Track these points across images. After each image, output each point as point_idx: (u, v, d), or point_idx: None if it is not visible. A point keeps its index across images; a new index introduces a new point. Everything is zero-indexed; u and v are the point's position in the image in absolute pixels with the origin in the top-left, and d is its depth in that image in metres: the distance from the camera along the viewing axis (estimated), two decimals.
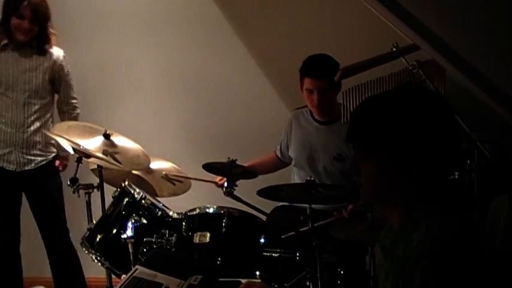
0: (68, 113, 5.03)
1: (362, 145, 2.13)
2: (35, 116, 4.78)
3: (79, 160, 4.30)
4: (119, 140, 4.39)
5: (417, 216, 2.01)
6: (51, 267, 5.08)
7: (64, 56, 4.88)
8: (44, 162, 4.89)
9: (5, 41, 4.67)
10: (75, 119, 5.05)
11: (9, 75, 4.67)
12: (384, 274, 2.15)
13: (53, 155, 4.95)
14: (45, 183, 4.92)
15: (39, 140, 4.81)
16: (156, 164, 4.72)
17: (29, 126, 4.74)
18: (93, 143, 4.25)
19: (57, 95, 4.98)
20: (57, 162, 5.05)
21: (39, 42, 4.70)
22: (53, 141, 4.87)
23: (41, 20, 4.60)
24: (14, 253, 4.96)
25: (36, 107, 4.77)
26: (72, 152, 4.32)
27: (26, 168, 4.79)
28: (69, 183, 4.36)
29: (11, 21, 4.54)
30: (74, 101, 5.05)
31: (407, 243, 1.97)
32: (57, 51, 4.86)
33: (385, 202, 2.20)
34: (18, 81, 4.68)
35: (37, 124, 4.79)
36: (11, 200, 4.94)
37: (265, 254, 3.88)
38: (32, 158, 4.82)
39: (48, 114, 4.92)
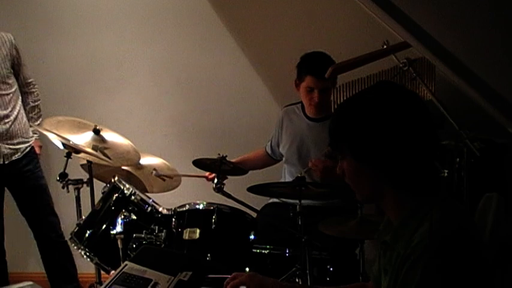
0: (30, 93, 5.08)
1: (345, 151, 2.17)
2: (11, 105, 4.81)
3: (68, 155, 4.32)
4: (109, 136, 4.41)
5: (416, 210, 2.06)
6: (42, 257, 5.12)
7: (14, 38, 4.87)
8: (28, 149, 4.94)
9: None
10: (38, 96, 5.13)
11: None
12: (383, 270, 2.19)
13: (33, 139, 5.01)
14: (30, 170, 4.96)
15: (19, 128, 4.84)
16: (146, 160, 4.73)
17: (8, 117, 4.77)
18: (82, 138, 4.28)
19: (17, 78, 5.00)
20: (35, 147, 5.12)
21: None
22: (29, 126, 4.95)
23: None
24: None
25: (9, 96, 4.80)
26: (61, 147, 4.33)
27: (14, 158, 4.83)
28: (58, 178, 4.40)
29: None
30: (31, 79, 5.08)
31: (408, 240, 2.00)
32: (7, 35, 4.85)
33: (377, 200, 2.24)
34: None
35: (14, 113, 4.83)
36: None
37: (255, 250, 3.91)
38: (18, 146, 4.86)
39: (19, 101, 4.95)
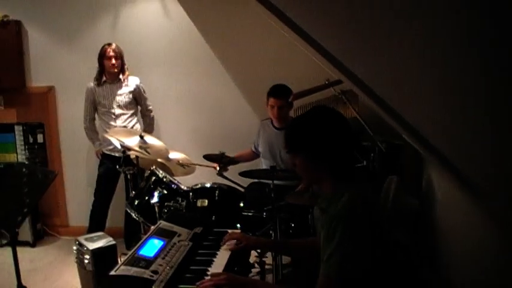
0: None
1: (294, 152, 2.25)
2: None
3: (124, 152, 4.43)
4: (149, 139, 4.41)
5: (341, 189, 2.11)
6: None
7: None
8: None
9: None
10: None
11: None
12: (320, 226, 2.22)
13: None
14: None
15: None
16: (173, 155, 4.74)
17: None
18: (132, 141, 4.29)
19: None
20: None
21: None
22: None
23: None
24: None
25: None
26: (119, 147, 4.42)
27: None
28: (118, 167, 4.50)
29: None
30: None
31: (336, 205, 2.06)
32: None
33: (317, 183, 2.31)
34: None
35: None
36: None
37: (244, 213, 3.93)
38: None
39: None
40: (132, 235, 5.07)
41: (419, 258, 3.63)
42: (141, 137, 4.33)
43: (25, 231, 5.42)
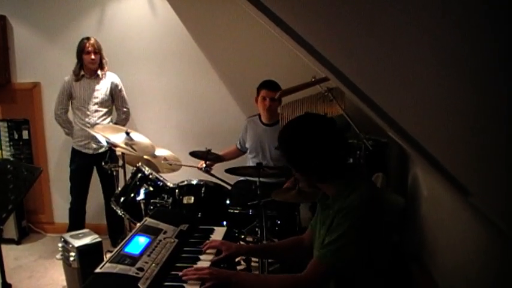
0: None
1: (289, 160, 2.28)
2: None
3: (110, 148, 4.45)
4: (135, 136, 4.40)
5: (346, 188, 2.13)
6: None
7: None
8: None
9: None
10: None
11: None
12: (320, 223, 2.25)
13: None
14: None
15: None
16: (159, 152, 4.73)
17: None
18: (119, 138, 4.29)
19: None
20: None
21: None
22: None
23: None
24: None
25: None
26: (105, 143, 4.41)
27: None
28: (103, 163, 4.49)
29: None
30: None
31: (343, 202, 2.07)
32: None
33: (315, 188, 2.33)
34: None
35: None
36: None
37: (230, 210, 3.95)
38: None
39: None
40: (115, 232, 5.06)
41: (405, 254, 3.65)
42: (127, 133, 4.32)
43: (10, 229, 5.39)
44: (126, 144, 4.25)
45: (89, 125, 4.85)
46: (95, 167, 5.10)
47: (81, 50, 4.82)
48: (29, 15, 5.51)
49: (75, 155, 5.06)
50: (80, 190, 5.12)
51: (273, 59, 5.18)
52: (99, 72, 4.91)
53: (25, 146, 5.63)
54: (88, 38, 4.86)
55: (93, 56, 4.82)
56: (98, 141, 4.89)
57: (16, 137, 5.57)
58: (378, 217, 2.06)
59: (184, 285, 2.17)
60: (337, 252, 2.00)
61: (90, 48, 4.80)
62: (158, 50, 5.44)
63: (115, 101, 5.09)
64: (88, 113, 4.91)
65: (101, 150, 4.96)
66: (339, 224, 2.02)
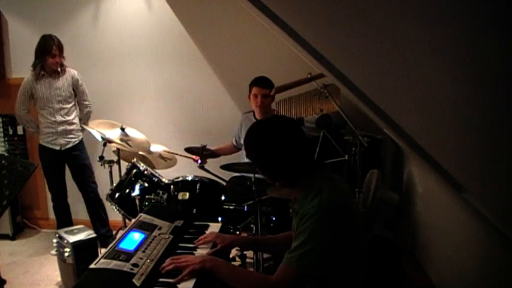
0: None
1: (256, 163, 2.33)
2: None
3: (105, 144, 4.40)
4: (131, 132, 4.42)
5: (310, 190, 2.12)
6: (87, 210, 5.17)
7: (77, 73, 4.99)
8: (78, 141, 5.03)
9: None
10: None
11: None
12: (294, 227, 2.27)
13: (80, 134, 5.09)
14: (78, 154, 5.06)
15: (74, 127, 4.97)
16: (154, 147, 4.71)
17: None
18: (114, 133, 4.30)
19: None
20: None
21: None
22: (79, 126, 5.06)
23: None
24: None
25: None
26: (100, 139, 4.40)
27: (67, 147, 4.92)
28: (98, 159, 4.47)
29: None
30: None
31: (306, 206, 2.08)
32: (72, 71, 4.97)
33: (285, 189, 2.37)
34: None
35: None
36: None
37: (225, 206, 3.94)
38: (70, 140, 4.93)
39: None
40: (96, 220, 5.14)
41: (400, 250, 3.67)
42: (122, 129, 4.32)
43: (5, 224, 5.39)
44: (121, 140, 4.26)
45: (56, 123, 4.80)
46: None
47: (46, 51, 4.66)
48: (24, 9, 5.49)
49: (43, 150, 4.95)
50: (57, 185, 5.06)
51: (268, 56, 5.17)
52: (58, 69, 4.79)
53: (20, 141, 5.61)
54: (52, 38, 4.70)
55: (58, 59, 4.71)
56: (65, 137, 4.87)
57: (11, 132, 5.56)
58: (340, 221, 2.04)
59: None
60: (302, 258, 2.02)
61: (56, 52, 4.67)
62: (154, 46, 5.42)
63: (77, 96, 4.99)
64: (53, 111, 4.80)
65: (68, 146, 4.90)
66: (302, 230, 2.04)
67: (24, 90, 4.79)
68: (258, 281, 2.20)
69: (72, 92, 4.91)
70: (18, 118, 4.97)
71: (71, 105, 4.91)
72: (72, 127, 4.88)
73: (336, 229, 2.03)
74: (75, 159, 4.99)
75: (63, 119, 4.84)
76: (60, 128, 4.81)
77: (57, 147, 4.86)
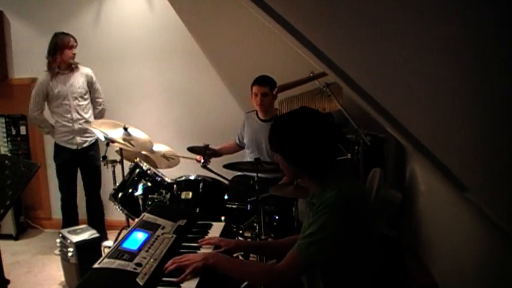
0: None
1: (275, 150, 2.29)
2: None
3: (108, 144, 4.42)
4: (133, 131, 4.41)
5: (329, 186, 2.11)
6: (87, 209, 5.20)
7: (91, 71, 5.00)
8: (94, 141, 5.05)
9: None
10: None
11: None
12: (308, 221, 2.24)
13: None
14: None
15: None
16: (157, 147, 4.72)
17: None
18: (116, 133, 4.29)
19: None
20: None
21: None
22: None
23: None
24: None
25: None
26: (103, 139, 4.40)
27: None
28: (101, 159, 4.49)
29: None
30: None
31: (323, 199, 2.06)
32: (86, 69, 4.98)
33: (300, 179, 2.36)
34: None
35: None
36: None
37: (228, 205, 3.95)
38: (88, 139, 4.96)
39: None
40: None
41: (402, 249, 3.66)
42: (125, 129, 4.32)
43: (8, 224, 5.39)
44: (124, 139, 4.25)
45: (72, 121, 4.83)
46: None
47: (63, 45, 4.71)
48: (26, 10, 5.50)
49: (59, 150, 4.97)
50: (69, 185, 5.07)
51: (271, 55, 5.16)
52: (72, 62, 4.83)
53: (23, 141, 5.62)
54: (65, 33, 4.77)
55: (75, 51, 4.77)
56: (83, 135, 4.90)
57: (14, 132, 5.57)
58: (354, 214, 2.04)
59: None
60: (313, 245, 2.01)
61: (74, 43, 4.74)
62: (156, 45, 5.41)
63: (91, 93, 5.01)
64: (69, 108, 4.82)
65: (85, 145, 4.93)
66: (317, 219, 2.04)
67: (40, 90, 4.81)
68: (263, 271, 2.19)
69: (87, 89, 4.94)
70: (31, 120, 5.00)
71: (86, 102, 4.93)
72: (88, 125, 4.87)
73: (349, 222, 2.02)
74: (90, 160, 5.02)
75: (79, 116, 4.86)
76: (77, 126, 4.82)
77: (74, 147, 4.88)
